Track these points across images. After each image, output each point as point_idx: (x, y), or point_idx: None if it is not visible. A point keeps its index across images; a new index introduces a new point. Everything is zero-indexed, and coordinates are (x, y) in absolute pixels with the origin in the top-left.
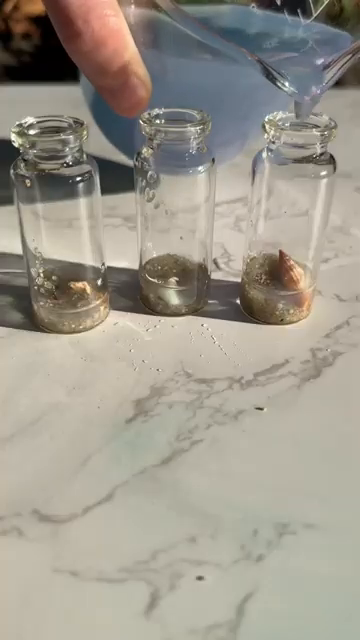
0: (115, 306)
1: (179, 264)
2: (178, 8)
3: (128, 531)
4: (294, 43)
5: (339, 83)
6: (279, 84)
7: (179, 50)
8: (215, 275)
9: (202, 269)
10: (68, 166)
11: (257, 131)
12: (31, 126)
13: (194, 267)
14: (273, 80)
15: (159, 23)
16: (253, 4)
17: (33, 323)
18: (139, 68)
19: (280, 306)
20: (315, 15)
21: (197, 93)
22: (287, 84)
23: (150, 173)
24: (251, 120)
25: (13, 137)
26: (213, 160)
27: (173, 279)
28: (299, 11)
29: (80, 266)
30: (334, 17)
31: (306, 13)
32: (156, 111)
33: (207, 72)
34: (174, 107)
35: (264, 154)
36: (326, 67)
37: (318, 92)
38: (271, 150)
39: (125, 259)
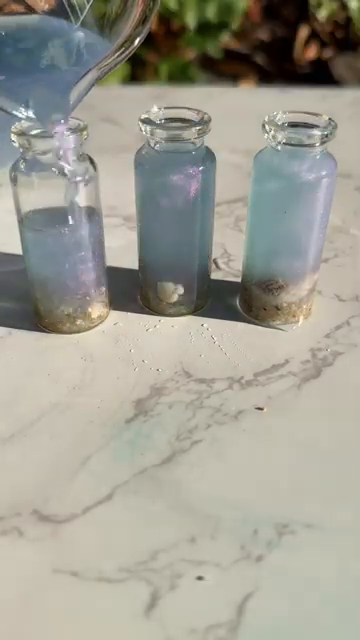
0: (115, 306)
1: (179, 264)
2: None
3: (128, 531)
4: (42, 60)
5: (339, 83)
6: (13, 112)
7: None
8: (215, 275)
9: (202, 269)
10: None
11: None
12: (31, 126)
13: (194, 267)
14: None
15: None
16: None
17: (33, 323)
18: None
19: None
20: (82, 18)
21: None
22: (24, 111)
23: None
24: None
25: (13, 137)
26: (213, 160)
27: (173, 280)
28: (70, 13)
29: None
30: (100, 20)
31: (75, 17)
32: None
33: None
34: None
35: (264, 154)
36: (73, 86)
37: (63, 118)
38: (270, 150)
39: (125, 259)
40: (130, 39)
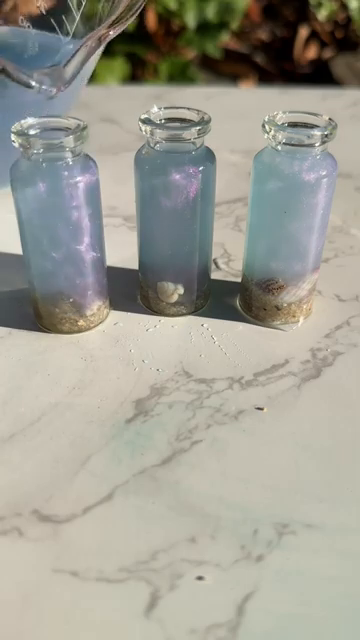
0: (115, 306)
1: (179, 264)
2: None
3: (128, 531)
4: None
5: (339, 83)
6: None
7: None
8: (215, 275)
9: (202, 269)
10: (68, 166)
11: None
12: (31, 126)
13: (194, 267)
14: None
15: None
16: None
17: (33, 323)
18: None
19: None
20: (77, 19)
21: None
22: (33, 84)
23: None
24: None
25: (13, 137)
26: (213, 159)
27: (173, 280)
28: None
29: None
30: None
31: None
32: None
33: None
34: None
35: (264, 154)
36: (65, 64)
37: (63, 88)
38: (270, 150)
39: (125, 259)
40: (129, 7)
